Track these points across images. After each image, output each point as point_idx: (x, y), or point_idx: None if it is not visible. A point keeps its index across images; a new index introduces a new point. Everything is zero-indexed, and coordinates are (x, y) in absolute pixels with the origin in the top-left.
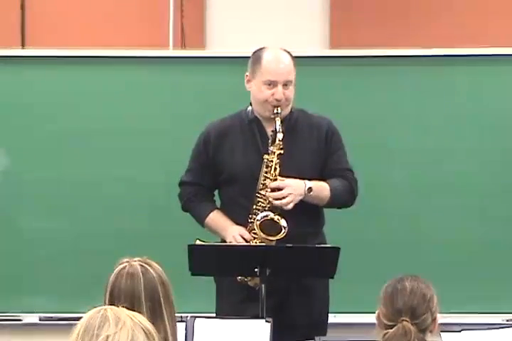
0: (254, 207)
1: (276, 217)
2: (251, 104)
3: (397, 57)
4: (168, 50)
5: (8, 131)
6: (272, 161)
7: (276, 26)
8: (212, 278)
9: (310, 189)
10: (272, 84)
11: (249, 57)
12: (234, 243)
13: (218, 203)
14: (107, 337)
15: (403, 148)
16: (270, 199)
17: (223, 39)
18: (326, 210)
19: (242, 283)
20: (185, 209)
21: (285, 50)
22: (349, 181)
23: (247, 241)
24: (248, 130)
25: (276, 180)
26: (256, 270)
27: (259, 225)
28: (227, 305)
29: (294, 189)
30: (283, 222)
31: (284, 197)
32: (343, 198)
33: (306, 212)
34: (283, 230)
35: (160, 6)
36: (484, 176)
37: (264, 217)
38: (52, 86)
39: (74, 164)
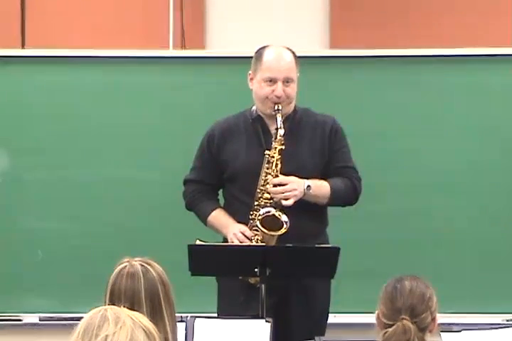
0: (256, 203)
1: (277, 213)
2: None
3: (397, 57)
4: (168, 50)
5: (8, 131)
6: (273, 157)
7: (277, 26)
8: (212, 278)
9: (309, 187)
10: (272, 81)
11: (249, 57)
12: (235, 242)
13: (222, 202)
14: (106, 336)
15: (403, 147)
16: (272, 194)
17: (223, 39)
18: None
19: (244, 280)
20: (188, 207)
21: (288, 49)
22: (351, 179)
23: (248, 238)
24: (252, 128)
25: (277, 176)
26: (256, 270)
27: (261, 221)
28: (227, 305)
29: (297, 185)
30: (284, 218)
31: (286, 193)
32: (345, 197)
33: (310, 212)
34: (284, 225)
35: (160, 6)
36: (485, 176)
37: (266, 212)
38: (52, 86)
39: (74, 164)
